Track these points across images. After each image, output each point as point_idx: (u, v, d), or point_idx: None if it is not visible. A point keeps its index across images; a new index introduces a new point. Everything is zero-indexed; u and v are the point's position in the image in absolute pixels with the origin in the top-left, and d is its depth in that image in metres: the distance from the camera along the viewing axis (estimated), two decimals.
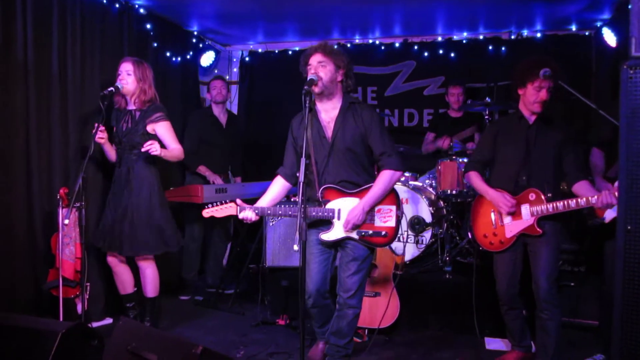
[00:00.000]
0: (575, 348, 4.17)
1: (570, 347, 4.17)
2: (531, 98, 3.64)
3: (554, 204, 3.54)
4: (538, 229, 3.62)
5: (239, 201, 3.51)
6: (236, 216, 3.51)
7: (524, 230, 3.67)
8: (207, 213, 3.57)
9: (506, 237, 3.73)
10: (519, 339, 3.91)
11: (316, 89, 3.38)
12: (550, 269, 3.63)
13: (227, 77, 7.33)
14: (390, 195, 3.53)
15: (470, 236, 3.87)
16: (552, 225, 3.66)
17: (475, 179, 3.89)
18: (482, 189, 3.84)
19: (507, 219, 3.73)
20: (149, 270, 4.39)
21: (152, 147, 4.07)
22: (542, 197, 3.60)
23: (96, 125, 4.12)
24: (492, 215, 3.80)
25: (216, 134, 5.80)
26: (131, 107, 4.31)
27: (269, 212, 3.53)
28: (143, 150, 4.09)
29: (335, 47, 3.56)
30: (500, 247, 3.77)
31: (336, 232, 3.47)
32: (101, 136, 4.17)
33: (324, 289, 3.62)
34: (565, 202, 3.50)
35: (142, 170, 4.25)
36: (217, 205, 3.54)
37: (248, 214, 3.46)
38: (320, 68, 3.41)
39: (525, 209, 3.65)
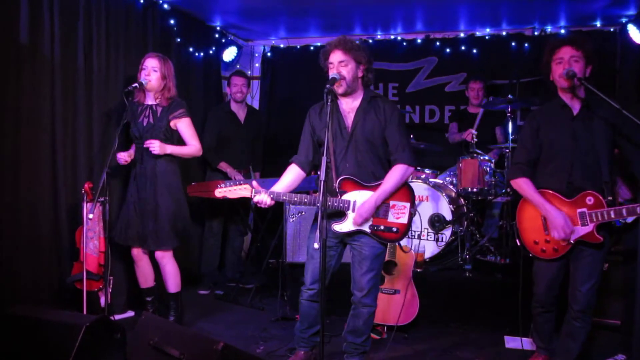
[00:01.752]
0: (595, 347, 4.12)
1: (590, 346, 4.08)
2: (556, 74, 3.33)
3: (617, 210, 3.19)
4: (599, 237, 3.26)
5: (254, 183, 3.43)
6: (255, 208, 3.49)
7: (582, 237, 3.31)
8: (219, 192, 3.44)
9: (561, 244, 3.37)
10: (547, 341, 3.70)
11: (340, 90, 3.39)
12: (595, 278, 3.37)
13: (249, 73, 7.34)
14: (406, 192, 3.52)
15: (518, 243, 3.55)
16: (608, 231, 3.36)
17: (526, 187, 3.44)
18: (537, 201, 3.39)
19: None
20: (169, 266, 4.43)
21: (152, 146, 4.13)
22: (602, 200, 3.25)
23: (117, 153, 4.20)
24: (543, 220, 3.41)
25: (235, 129, 5.81)
26: (150, 102, 4.33)
27: (284, 197, 3.43)
28: (144, 146, 4.15)
29: (357, 41, 3.52)
30: (553, 254, 3.41)
31: (349, 224, 3.45)
32: (123, 162, 4.26)
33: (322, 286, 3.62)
34: (630, 208, 3.15)
35: (166, 166, 4.29)
36: (231, 185, 3.43)
37: (263, 197, 3.37)
38: (341, 67, 3.39)
39: (584, 215, 3.30)
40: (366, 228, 3.45)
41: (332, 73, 3.38)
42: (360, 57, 3.45)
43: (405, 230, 3.50)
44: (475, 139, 5.43)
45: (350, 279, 3.61)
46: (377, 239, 3.47)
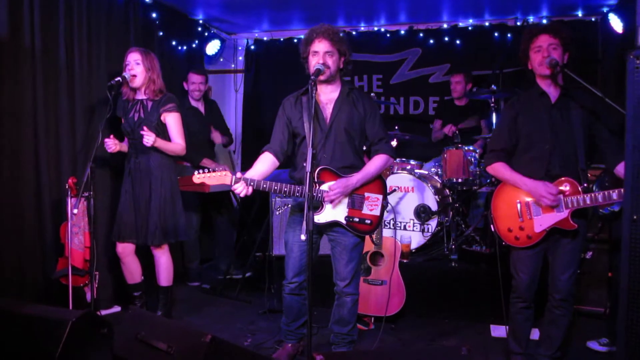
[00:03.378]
0: (577, 334, 4.17)
1: (573, 333, 4.14)
2: (535, 62, 3.31)
3: (592, 196, 3.17)
4: (573, 224, 3.24)
5: (238, 174, 3.32)
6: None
7: (556, 224, 3.28)
8: (198, 179, 3.32)
9: (535, 231, 3.33)
10: (525, 344, 3.59)
11: (322, 77, 3.38)
12: (575, 266, 3.38)
13: (233, 66, 7.33)
14: (379, 184, 3.55)
15: (492, 228, 3.51)
16: (584, 218, 3.36)
17: (504, 170, 3.42)
18: (515, 179, 3.36)
19: (536, 212, 3.33)
20: (164, 259, 4.42)
21: (146, 135, 4.08)
22: (578, 187, 3.24)
23: (105, 139, 4.17)
24: (519, 207, 3.38)
25: (198, 123, 5.77)
26: (140, 96, 4.31)
27: (264, 186, 3.33)
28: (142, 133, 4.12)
29: (341, 33, 3.50)
30: (527, 242, 3.37)
31: (326, 215, 3.45)
32: (113, 147, 4.21)
33: (304, 278, 3.62)
34: (606, 194, 3.13)
35: (161, 159, 4.27)
36: (210, 171, 3.31)
37: (243, 185, 3.28)
38: (327, 57, 3.39)
39: (559, 201, 3.27)
40: (342, 219, 3.46)
41: (316, 63, 3.36)
42: (344, 48, 3.46)
43: (377, 222, 3.53)
44: (457, 134, 5.47)
45: (332, 270, 3.63)
46: (352, 230, 3.49)
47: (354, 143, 3.53)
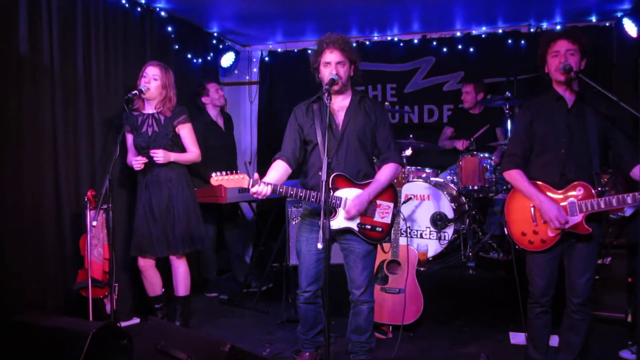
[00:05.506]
0: (599, 341, 4.13)
1: (594, 340, 4.08)
2: (552, 67, 3.31)
3: (607, 200, 3.16)
4: (587, 227, 3.23)
5: (256, 175, 3.32)
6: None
7: (570, 228, 3.26)
8: (216, 181, 3.33)
9: (549, 235, 3.32)
10: (545, 351, 3.55)
11: (336, 87, 3.42)
12: (592, 271, 3.35)
13: (247, 78, 7.38)
14: (391, 193, 3.57)
15: (506, 232, 3.52)
16: (598, 222, 3.33)
17: (520, 179, 3.39)
18: (529, 192, 3.34)
19: None
20: (182, 269, 4.47)
21: (156, 156, 4.18)
22: (592, 191, 3.22)
23: (132, 159, 4.27)
24: (532, 211, 3.37)
25: (219, 138, 5.83)
26: (149, 110, 4.36)
27: (281, 190, 3.34)
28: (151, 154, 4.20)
29: (353, 43, 3.56)
30: (541, 246, 3.35)
31: (339, 221, 3.45)
32: (141, 165, 4.25)
33: (318, 286, 3.64)
34: (620, 198, 3.10)
35: (177, 171, 4.34)
36: (227, 174, 3.33)
37: (262, 187, 3.28)
38: (339, 67, 3.42)
39: (572, 205, 3.27)
40: (354, 226, 3.47)
41: (329, 74, 3.40)
42: (354, 56, 3.50)
43: (388, 230, 3.55)
44: (472, 142, 5.46)
45: (343, 279, 3.65)
46: (363, 237, 3.50)
47: (366, 150, 3.55)
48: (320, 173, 3.26)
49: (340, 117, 3.53)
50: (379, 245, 4.37)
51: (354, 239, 3.52)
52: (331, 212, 3.44)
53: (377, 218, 3.50)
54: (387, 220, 3.53)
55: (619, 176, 3.85)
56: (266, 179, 3.45)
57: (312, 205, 3.51)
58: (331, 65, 3.42)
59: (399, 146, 3.59)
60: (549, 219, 3.27)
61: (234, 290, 5.74)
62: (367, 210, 3.47)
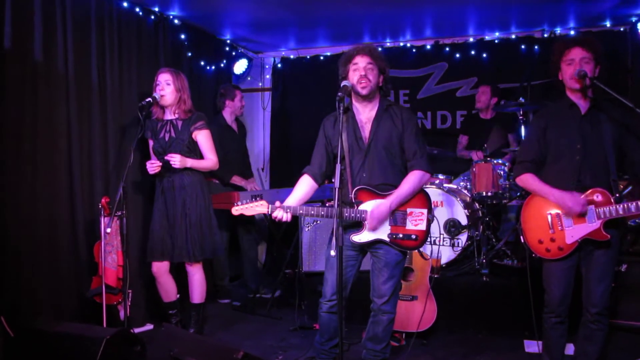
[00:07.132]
0: (614, 350, 4.09)
1: (610, 349, 4.04)
2: (567, 74, 3.30)
3: (625, 206, 3.12)
4: (605, 234, 3.20)
5: (277, 203, 3.41)
6: (270, 218, 3.49)
7: (588, 235, 3.24)
8: (236, 211, 3.46)
9: (566, 243, 3.29)
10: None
11: (364, 91, 3.41)
12: (609, 278, 3.32)
13: (260, 84, 7.40)
14: (422, 199, 3.51)
15: (522, 240, 3.49)
16: (616, 229, 3.30)
17: (532, 181, 3.40)
18: (543, 190, 3.35)
19: (568, 223, 3.29)
20: (198, 276, 4.48)
21: (173, 160, 4.19)
22: (610, 197, 3.21)
23: (146, 162, 4.30)
24: (549, 219, 3.35)
25: (233, 142, 5.86)
26: (169, 117, 4.40)
27: (300, 211, 3.42)
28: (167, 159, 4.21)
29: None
30: (558, 254, 3.33)
31: (366, 235, 3.44)
32: (156, 169, 4.27)
33: (343, 296, 3.60)
34: (638, 204, 3.07)
35: (192, 177, 4.36)
36: (247, 202, 3.43)
37: (281, 214, 3.37)
38: (368, 70, 3.41)
39: (590, 212, 3.24)
40: (385, 237, 3.44)
41: (355, 74, 3.40)
42: (383, 65, 3.49)
43: (424, 237, 3.49)
44: (485, 149, 5.44)
45: (369, 286, 3.60)
46: (397, 247, 3.46)
47: (395, 160, 3.51)
48: (348, 186, 3.37)
49: (367, 129, 3.50)
50: (417, 253, 4.45)
51: (384, 247, 3.48)
52: (358, 225, 3.44)
53: (410, 226, 3.45)
54: (422, 227, 3.46)
55: (636, 183, 3.80)
56: (290, 199, 3.51)
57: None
58: (359, 68, 3.41)
59: (426, 152, 3.53)
60: (568, 208, 3.24)
61: (245, 296, 5.74)
62: (396, 220, 3.44)
